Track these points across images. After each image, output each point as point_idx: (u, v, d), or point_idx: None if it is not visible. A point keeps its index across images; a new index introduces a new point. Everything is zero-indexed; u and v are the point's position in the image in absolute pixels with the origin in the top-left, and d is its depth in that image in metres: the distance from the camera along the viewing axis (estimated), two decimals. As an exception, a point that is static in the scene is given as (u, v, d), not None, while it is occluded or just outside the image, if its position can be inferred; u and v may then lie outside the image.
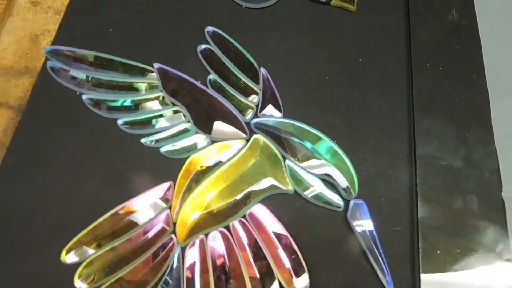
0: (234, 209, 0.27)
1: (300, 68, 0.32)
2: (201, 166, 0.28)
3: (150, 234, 0.26)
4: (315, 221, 0.27)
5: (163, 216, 0.27)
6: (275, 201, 0.27)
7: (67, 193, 0.27)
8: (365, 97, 0.31)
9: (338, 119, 0.30)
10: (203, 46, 0.32)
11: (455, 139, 0.29)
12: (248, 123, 0.29)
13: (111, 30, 0.33)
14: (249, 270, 0.25)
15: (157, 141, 0.29)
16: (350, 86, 0.31)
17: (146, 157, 0.29)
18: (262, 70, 0.31)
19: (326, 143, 0.28)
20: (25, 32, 0.33)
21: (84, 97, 0.30)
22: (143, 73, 0.30)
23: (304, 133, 0.28)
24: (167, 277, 0.25)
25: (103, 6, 0.33)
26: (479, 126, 0.29)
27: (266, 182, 0.28)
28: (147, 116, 0.29)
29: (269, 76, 0.30)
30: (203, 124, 0.29)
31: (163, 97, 0.30)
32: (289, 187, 0.27)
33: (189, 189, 0.27)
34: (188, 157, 0.28)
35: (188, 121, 0.29)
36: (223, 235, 0.26)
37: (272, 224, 0.26)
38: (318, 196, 0.27)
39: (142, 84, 0.30)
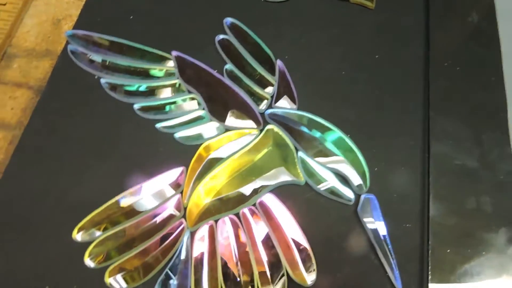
0: (244, 197, 0.27)
1: (316, 62, 0.32)
2: (214, 153, 0.28)
3: (160, 218, 0.27)
4: (325, 213, 0.27)
5: (174, 201, 0.27)
6: (286, 191, 0.28)
7: (81, 173, 0.28)
8: (380, 94, 0.31)
9: (352, 114, 0.30)
10: (221, 37, 0.32)
11: (470, 139, 0.28)
12: (262, 114, 0.30)
13: (131, 17, 0.33)
14: (257, 258, 0.25)
15: (171, 127, 0.29)
16: (366, 82, 0.31)
17: (160, 142, 0.29)
18: (279, 62, 0.31)
19: (339, 137, 0.28)
20: (47, 16, 0.34)
21: (102, 80, 0.30)
22: (161, 60, 0.31)
23: (317, 125, 0.29)
24: (175, 261, 0.26)
25: (125, -7, 0.34)
26: (495, 128, 0.29)
27: (278, 172, 0.28)
28: (163, 102, 0.30)
29: (285, 68, 0.31)
30: (218, 112, 0.29)
31: (179, 84, 0.30)
32: (301, 178, 0.28)
33: (201, 176, 0.28)
34: (202, 144, 0.29)
35: (203, 109, 0.30)
36: (232, 222, 0.26)
37: (282, 214, 0.27)
38: (330, 190, 0.27)
39: (159, 71, 0.31)
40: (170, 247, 0.26)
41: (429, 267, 0.25)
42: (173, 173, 0.28)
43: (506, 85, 0.30)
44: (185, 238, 0.26)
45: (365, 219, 0.26)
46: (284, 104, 0.30)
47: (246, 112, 0.29)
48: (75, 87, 0.30)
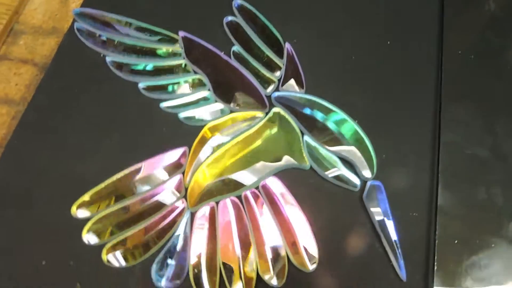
0: (247, 179, 0.26)
1: (326, 47, 0.31)
2: (218, 135, 0.28)
3: (160, 197, 0.26)
4: (329, 199, 0.26)
5: (175, 181, 0.26)
6: (290, 175, 0.27)
7: (82, 151, 0.27)
8: (391, 80, 0.30)
9: (361, 100, 0.29)
10: (230, 18, 0.31)
11: (482, 129, 0.27)
12: (268, 97, 0.29)
13: (140, -3, 0.33)
14: (258, 241, 0.25)
15: (175, 106, 0.29)
16: (377, 68, 0.30)
17: (164, 121, 0.28)
18: (287, 45, 0.30)
19: (347, 122, 0.27)
20: (56, -6, 0.34)
21: (107, 59, 0.30)
22: (168, 40, 0.30)
23: (325, 110, 0.28)
24: (174, 241, 0.25)
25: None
26: (509, 118, 0.28)
27: (282, 156, 0.27)
28: (168, 81, 0.29)
29: (293, 52, 0.30)
30: (223, 93, 0.29)
31: (185, 65, 0.30)
32: (306, 163, 0.27)
33: (204, 157, 0.27)
34: (205, 124, 0.28)
35: (208, 90, 0.29)
36: (234, 204, 0.26)
37: (285, 198, 0.26)
38: (336, 176, 0.27)
39: (165, 51, 0.30)
40: (169, 227, 0.25)
41: (435, 258, 0.24)
42: (176, 153, 0.27)
43: (522, 76, 0.29)
44: (185, 218, 0.26)
45: (370, 206, 0.26)
46: (291, 88, 0.29)
47: (252, 94, 0.29)
48: (80, 65, 0.30)
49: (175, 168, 0.27)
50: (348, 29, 0.32)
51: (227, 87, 0.29)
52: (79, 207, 0.26)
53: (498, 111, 0.28)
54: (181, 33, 0.30)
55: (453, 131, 0.27)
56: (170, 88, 0.29)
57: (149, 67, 0.30)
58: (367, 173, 0.26)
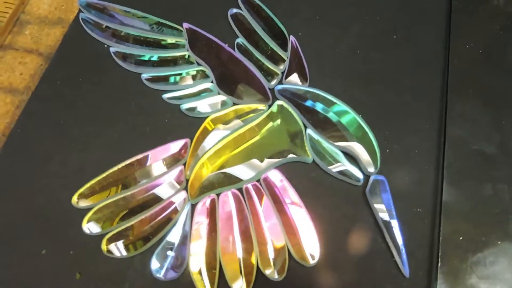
0: (248, 171, 0.26)
1: (331, 40, 0.31)
2: (220, 127, 0.27)
3: (161, 188, 0.26)
4: (331, 193, 0.26)
5: (176, 172, 0.26)
6: (292, 168, 0.27)
7: (84, 140, 0.27)
8: (396, 74, 0.29)
9: (365, 94, 0.29)
10: (234, 11, 0.31)
11: (489, 124, 0.27)
12: (272, 89, 0.29)
13: (145, -12, 0.33)
14: (258, 234, 0.25)
15: (178, 98, 0.28)
16: (382, 62, 0.30)
17: (166, 113, 0.28)
18: (292, 38, 0.30)
19: (350, 116, 0.27)
20: (62, -15, 0.34)
21: (111, 49, 0.30)
22: (172, 31, 0.30)
23: (328, 103, 0.27)
24: (174, 233, 0.25)
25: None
26: (517, 114, 0.27)
27: (284, 149, 0.27)
28: (171, 73, 0.29)
29: (298, 45, 0.30)
30: (226, 85, 0.28)
31: (188, 56, 0.30)
32: (308, 156, 0.26)
33: (206, 148, 0.27)
34: (208, 116, 0.28)
35: (211, 81, 0.29)
36: (235, 196, 0.26)
37: (286, 191, 0.26)
38: (339, 170, 0.26)
39: (169, 42, 0.30)
40: (170, 218, 0.25)
41: (439, 254, 0.24)
42: (177, 144, 0.27)
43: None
44: (186, 210, 0.26)
45: (373, 201, 0.25)
46: (295, 81, 0.29)
47: (255, 86, 0.28)
48: (84, 55, 0.30)
49: (176, 159, 0.27)
50: (354, 22, 0.31)
51: (230, 79, 0.29)
52: (80, 197, 0.25)
53: (505, 106, 0.27)
54: (185, 25, 0.30)
55: (459, 126, 0.27)
56: (172, 79, 0.29)
57: (154, 58, 0.30)
58: (370, 168, 0.26)
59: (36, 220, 0.25)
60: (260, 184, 0.26)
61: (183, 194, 0.26)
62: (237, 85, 0.28)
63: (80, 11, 0.31)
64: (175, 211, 0.25)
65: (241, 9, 0.31)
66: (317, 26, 0.31)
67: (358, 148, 0.26)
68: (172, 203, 0.26)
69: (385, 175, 0.26)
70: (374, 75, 0.29)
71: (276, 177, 0.26)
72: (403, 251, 0.24)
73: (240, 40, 0.30)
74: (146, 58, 0.29)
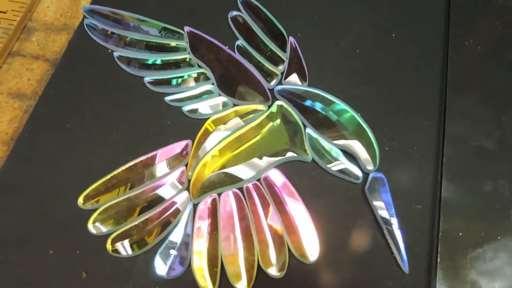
0: (249, 171, 0.27)
1: (330, 40, 0.31)
2: (221, 127, 0.28)
3: (164, 189, 0.26)
4: (331, 191, 0.26)
5: (178, 172, 0.27)
6: (292, 167, 0.27)
7: (90, 143, 0.28)
8: (395, 72, 0.29)
9: (365, 92, 0.29)
10: (234, 13, 0.32)
11: (489, 121, 0.27)
12: (272, 90, 0.29)
13: (146, -7, 0.34)
14: (259, 233, 0.25)
15: (180, 100, 0.29)
16: (381, 60, 0.30)
17: (168, 115, 0.29)
18: (291, 39, 0.30)
19: (349, 114, 0.27)
20: (67, -7, 0.35)
21: (115, 54, 0.30)
22: (173, 35, 0.31)
23: (327, 102, 0.28)
24: (177, 232, 0.26)
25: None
26: (516, 110, 0.27)
27: (284, 148, 0.27)
28: (173, 76, 0.30)
29: (297, 45, 0.30)
30: (227, 86, 0.29)
31: (190, 59, 0.30)
32: (307, 155, 0.27)
33: (207, 149, 0.27)
34: (209, 117, 0.28)
35: (212, 83, 0.29)
36: (235, 195, 0.26)
37: (287, 190, 0.26)
38: (338, 168, 0.26)
39: (171, 46, 0.31)
40: (173, 218, 0.26)
41: (439, 250, 0.24)
42: (179, 145, 0.27)
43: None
44: (188, 210, 0.26)
45: (372, 199, 0.25)
46: (294, 81, 0.29)
47: (255, 87, 0.29)
48: (88, 60, 0.31)
49: (178, 160, 0.27)
50: (352, 22, 0.31)
51: (230, 80, 0.29)
52: (85, 198, 0.26)
53: (504, 103, 0.27)
54: (187, 28, 0.31)
55: (458, 123, 0.27)
56: (174, 82, 0.29)
57: (157, 61, 0.30)
58: (369, 165, 0.26)
59: (44, 221, 0.26)
60: (261, 183, 0.26)
61: (185, 194, 0.26)
62: (237, 87, 0.29)
63: (84, 17, 0.32)
64: (178, 211, 0.26)
65: (241, 12, 0.32)
66: (316, 27, 0.31)
67: (357, 146, 0.27)
68: (174, 203, 0.26)
69: (384, 173, 0.26)
70: (373, 74, 0.30)
71: (276, 176, 0.26)
72: (403, 248, 0.24)
73: (240, 42, 0.31)
74: (149, 62, 0.30)
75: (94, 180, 0.27)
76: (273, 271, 0.24)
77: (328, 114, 0.27)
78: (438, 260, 0.24)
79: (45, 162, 0.28)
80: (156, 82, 0.30)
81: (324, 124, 0.27)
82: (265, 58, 0.30)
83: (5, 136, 0.29)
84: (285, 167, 0.27)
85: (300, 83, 0.29)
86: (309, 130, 0.27)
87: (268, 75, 0.29)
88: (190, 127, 0.28)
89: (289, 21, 0.31)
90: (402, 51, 0.30)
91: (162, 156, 0.27)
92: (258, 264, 0.24)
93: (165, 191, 0.26)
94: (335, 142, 0.27)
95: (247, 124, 0.28)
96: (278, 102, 0.28)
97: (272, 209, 0.26)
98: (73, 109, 0.29)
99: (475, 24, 0.30)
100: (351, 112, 0.27)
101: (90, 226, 0.26)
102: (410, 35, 0.31)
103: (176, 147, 0.27)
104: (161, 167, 0.27)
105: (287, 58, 0.30)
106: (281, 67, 0.30)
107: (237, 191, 0.26)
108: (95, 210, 0.26)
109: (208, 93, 0.29)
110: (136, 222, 0.26)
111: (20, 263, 0.25)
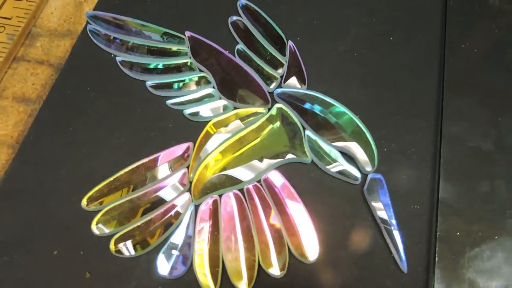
0: (249, 173, 0.27)
1: (328, 43, 0.31)
2: (222, 130, 0.28)
3: (166, 190, 0.27)
4: (330, 192, 0.27)
5: (180, 174, 0.27)
6: (291, 169, 0.27)
7: (93, 146, 0.29)
8: (393, 75, 0.30)
9: (363, 95, 0.29)
10: (234, 18, 0.32)
11: (486, 122, 0.27)
12: (271, 93, 0.30)
13: (148, 0, 0.34)
14: (260, 233, 0.25)
15: (181, 103, 0.30)
16: (379, 63, 0.30)
17: (170, 118, 0.29)
18: (290, 43, 0.31)
19: (348, 117, 0.28)
20: (70, -1, 0.35)
21: (117, 59, 0.31)
22: (175, 40, 0.32)
23: (326, 105, 0.28)
24: (179, 232, 0.26)
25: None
26: (513, 111, 0.28)
27: (284, 150, 0.28)
28: (175, 79, 0.30)
29: (296, 49, 0.31)
30: (227, 90, 0.29)
31: (191, 63, 0.31)
32: (307, 157, 0.27)
33: (208, 151, 0.28)
34: (210, 120, 0.29)
35: (213, 87, 0.30)
36: (236, 196, 0.26)
37: (286, 191, 0.26)
38: (337, 170, 0.27)
39: (173, 50, 0.31)
40: (174, 219, 0.26)
41: (437, 250, 0.24)
42: (181, 148, 0.28)
43: (529, 69, 0.29)
44: (189, 211, 0.27)
45: (371, 199, 0.26)
46: (294, 84, 0.30)
47: (255, 90, 0.29)
48: (92, 65, 0.31)
49: (180, 162, 0.28)
50: (350, 25, 0.32)
51: (231, 84, 0.30)
52: (89, 199, 0.27)
53: (501, 104, 0.28)
54: (188, 33, 0.31)
55: (455, 124, 0.27)
56: (176, 85, 0.30)
57: (159, 66, 0.31)
58: (368, 167, 0.27)
59: (48, 223, 0.27)
60: (261, 185, 0.27)
61: (186, 196, 0.27)
62: (237, 90, 0.29)
63: (87, 23, 0.33)
64: (179, 212, 0.26)
65: (240, 17, 0.32)
66: (314, 31, 0.32)
67: (355, 148, 0.27)
68: (176, 204, 0.27)
69: (383, 174, 0.26)
70: (371, 76, 0.30)
71: (276, 178, 0.27)
72: (401, 247, 0.24)
73: (240, 46, 0.31)
74: (151, 67, 0.31)
75: (98, 182, 0.27)
76: (273, 271, 0.25)
77: (327, 116, 0.28)
78: (436, 259, 0.24)
79: (49, 164, 0.28)
80: (158, 86, 0.30)
81: (323, 126, 0.28)
82: (265, 62, 0.30)
83: (10, 140, 0.30)
84: (285, 169, 0.27)
85: (299, 86, 0.30)
86: (309, 132, 0.28)
87: (268, 79, 0.30)
88: (191, 130, 0.29)
89: (288, 26, 0.32)
90: (399, 54, 0.31)
91: (164, 158, 0.28)
92: (259, 264, 0.25)
93: (167, 193, 0.27)
94: (334, 144, 0.27)
95: (248, 127, 0.28)
96: (277, 105, 0.29)
97: (272, 209, 0.26)
98: (76, 113, 0.30)
99: (471, 26, 0.31)
100: (349, 114, 0.28)
101: (93, 227, 0.26)
102: (407, 38, 0.31)
103: (178, 150, 0.28)
104: (163, 169, 0.27)
105: (286, 61, 0.30)
106: (280, 71, 0.30)
107: (238, 192, 0.27)
108: (98, 211, 0.26)
109: (209, 96, 0.30)
110: (139, 223, 0.26)
111: (25, 264, 0.26)
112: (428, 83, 0.29)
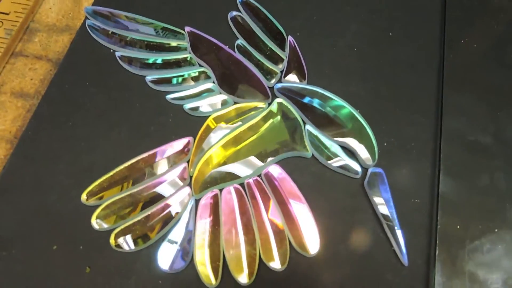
0: (250, 167, 0.27)
1: (328, 39, 0.32)
2: (222, 125, 0.28)
3: (166, 184, 0.27)
4: (331, 186, 0.27)
5: (180, 169, 0.27)
6: (292, 163, 0.27)
7: (92, 141, 0.29)
8: (393, 70, 0.30)
9: (363, 90, 0.29)
10: (234, 13, 0.32)
11: (485, 116, 0.28)
12: (271, 88, 0.30)
13: (148, -6, 0.34)
14: (260, 228, 0.25)
15: (181, 98, 0.29)
16: (378, 58, 0.30)
17: (170, 113, 0.29)
18: (290, 38, 0.31)
19: (347, 110, 0.28)
20: (69, -6, 0.35)
21: (117, 54, 0.31)
22: (174, 35, 0.31)
23: (326, 99, 0.28)
24: (179, 227, 0.26)
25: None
26: (511, 105, 0.28)
27: (284, 145, 0.28)
28: (174, 74, 0.30)
29: (296, 44, 0.31)
30: (227, 85, 0.29)
31: (190, 58, 0.31)
32: (307, 151, 0.27)
33: (208, 145, 0.28)
34: (210, 115, 0.29)
35: (213, 82, 0.30)
36: (237, 191, 0.26)
37: (287, 185, 0.26)
38: (338, 164, 0.27)
39: (172, 45, 0.31)
40: (175, 213, 0.26)
41: (437, 243, 0.24)
42: (181, 142, 0.28)
43: (527, 65, 0.29)
44: (190, 205, 0.26)
45: (372, 193, 0.26)
46: (294, 79, 0.30)
47: (255, 85, 0.29)
48: (90, 60, 0.31)
49: (180, 157, 0.28)
50: (350, 21, 0.32)
51: (231, 79, 0.30)
52: (88, 194, 0.27)
53: (500, 99, 0.28)
54: (187, 28, 0.31)
55: (455, 119, 0.27)
56: (175, 80, 0.30)
57: (158, 61, 0.31)
58: (368, 161, 0.27)
59: (48, 217, 0.26)
60: (261, 179, 0.27)
61: (187, 190, 0.27)
62: (237, 85, 0.29)
63: (86, 18, 0.32)
64: (180, 206, 0.26)
65: (240, 12, 0.32)
66: (314, 26, 0.32)
67: (355, 142, 0.27)
68: (176, 198, 0.27)
69: (383, 168, 0.27)
70: (371, 71, 0.30)
71: (277, 172, 0.27)
72: (402, 241, 0.25)
73: (240, 41, 0.31)
74: (150, 61, 0.31)
75: (97, 177, 0.27)
76: (274, 264, 0.25)
77: (326, 110, 0.28)
78: (437, 252, 0.24)
79: (48, 159, 0.28)
80: (157, 81, 0.30)
81: (323, 121, 0.28)
82: (265, 57, 0.30)
83: (8, 135, 0.29)
84: (286, 163, 0.27)
85: (299, 81, 0.30)
86: (309, 127, 0.28)
87: (268, 74, 0.30)
88: (192, 124, 0.29)
89: (288, 21, 0.32)
90: (399, 49, 0.31)
91: (164, 153, 0.28)
92: (260, 258, 0.25)
93: (167, 187, 0.27)
94: (334, 138, 0.27)
95: (248, 122, 0.28)
96: (278, 100, 0.29)
97: (272, 204, 0.26)
98: (75, 108, 0.30)
99: (470, 22, 0.31)
100: (348, 108, 0.28)
101: (93, 221, 0.26)
102: (406, 33, 0.31)
103: (178, 144, 0.28)
104: (163, 164, 0.27)
105: (286, 57, 0.30)
106: (280, 66, 0.30)
107: (238, 186, 0.27)
108: (98, 206, 0.26)
109: (209, 91, 0.30)
110: (139, 218, 0.26)
111: (24, 259, 0.25)
112: (427, 78, 0.30)
